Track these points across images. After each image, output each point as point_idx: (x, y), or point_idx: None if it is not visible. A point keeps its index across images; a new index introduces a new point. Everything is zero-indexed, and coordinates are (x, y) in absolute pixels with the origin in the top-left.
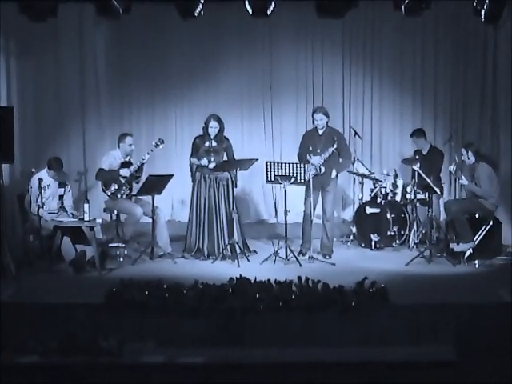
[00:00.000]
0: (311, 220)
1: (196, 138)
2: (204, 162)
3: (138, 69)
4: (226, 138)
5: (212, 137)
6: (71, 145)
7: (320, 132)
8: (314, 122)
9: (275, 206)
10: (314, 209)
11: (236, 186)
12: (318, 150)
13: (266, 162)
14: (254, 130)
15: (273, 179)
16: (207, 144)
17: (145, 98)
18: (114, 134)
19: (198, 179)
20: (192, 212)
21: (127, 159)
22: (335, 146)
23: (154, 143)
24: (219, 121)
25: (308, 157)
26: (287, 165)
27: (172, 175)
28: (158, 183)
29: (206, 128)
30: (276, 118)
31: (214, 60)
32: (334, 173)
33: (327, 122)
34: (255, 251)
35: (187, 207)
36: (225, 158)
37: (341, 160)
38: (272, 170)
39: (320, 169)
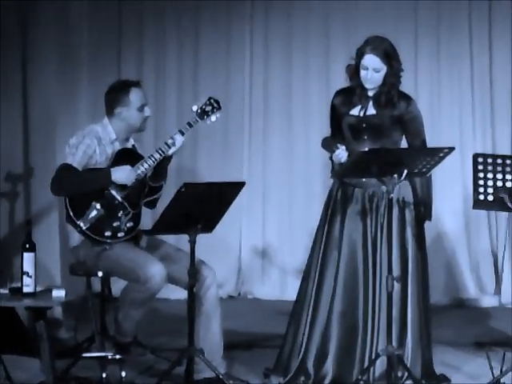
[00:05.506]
0: None
1: (336, 93)
2: (340, 153)
3: None
4: (406, 96)
5: (370, 93)
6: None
7: None
8: None
9: (495, 266)
10: None
11: (429, 219)
12: None
13: (475, 156)
14: (445, 86)
15: (491, 198)
16: (355, 111)
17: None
18: (98, 91)
19: (332, 197)
20: (307, 277)
21: (129, 145)
22: None
23: (195, 109)
24: (386, 53)
25: None
26: None
27: (243, 184)
28: (206, 203)
29: (354, 71)
30: (480, 54)
31: None
32: None
33: None
34: (444, 376)
35: (280, 270)
36: (402, 144)
37: None
38: (489, 175)
39: None
